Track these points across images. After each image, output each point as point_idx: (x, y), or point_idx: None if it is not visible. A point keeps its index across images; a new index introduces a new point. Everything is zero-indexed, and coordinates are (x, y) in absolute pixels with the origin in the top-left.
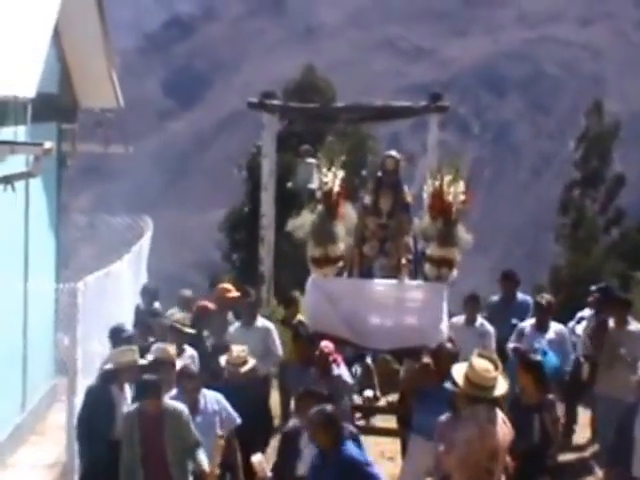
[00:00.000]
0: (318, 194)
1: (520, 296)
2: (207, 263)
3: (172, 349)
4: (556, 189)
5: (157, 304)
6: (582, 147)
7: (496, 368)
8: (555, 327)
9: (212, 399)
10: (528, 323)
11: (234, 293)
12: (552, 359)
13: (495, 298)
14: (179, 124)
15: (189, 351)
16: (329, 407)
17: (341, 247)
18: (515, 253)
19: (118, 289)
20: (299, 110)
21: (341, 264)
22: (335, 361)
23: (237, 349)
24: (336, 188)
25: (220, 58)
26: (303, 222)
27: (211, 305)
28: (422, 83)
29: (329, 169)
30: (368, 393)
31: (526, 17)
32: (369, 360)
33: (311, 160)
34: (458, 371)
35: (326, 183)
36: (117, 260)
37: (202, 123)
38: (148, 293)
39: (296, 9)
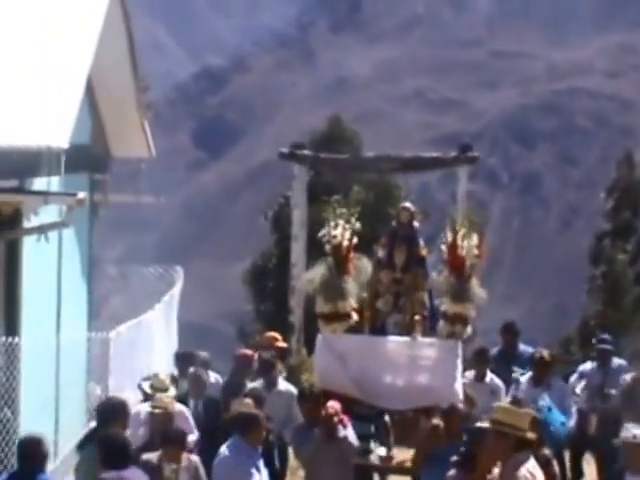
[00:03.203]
0: (327, 248)
1: (521, 347)
2: (236, 313)
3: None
4: (585, 240)
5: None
6: (613, 198)
7: (529, 416)
8: (556, 383)
9: None
10: (524, 378)
11: (282, 343)
12: (557, 415)
13: (496, 350)
14: (209, 175)
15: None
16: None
17: (351, 303)
18: (544, 304)
19: (149, 339)
20: (329, 161)
21: (352, 320)
22: (341, 422)
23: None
24: (345, 242)
25: (250, 109)
26: (313, 276)
27: (251, 353)
28: (451, 134)
29: (337, 222)
30: (381, 452)
31: (555, 69)
32: (387, 418)
33: (342, 210)
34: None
35: (335, 236)
36: (148, 310)
37: (232, 174)
38: (183, 360)
39: (326, 61)
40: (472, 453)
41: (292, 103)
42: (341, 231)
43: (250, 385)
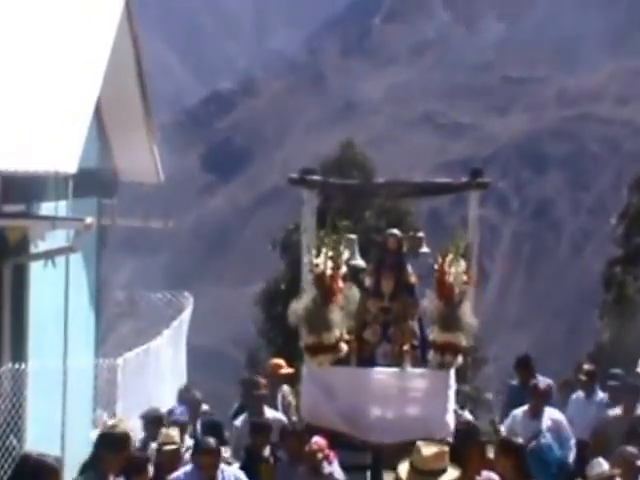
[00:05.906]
0: (310, 277)
1: (540, 379)
2: (245, 338)
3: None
4: (597, 265)
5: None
6: (624, 224)
7: (444, 454)
8: (550, 413)
9: (230, 475)
10: (520, 410)
11: (287, 369)
12: (555, 450)
13: (515, 382)
14: (218, 199)
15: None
16: None
17: (337, 334)
18: (556, 329)
19: (158, 365)
20: (339, 186)
21: (338, 352)
22: (327, 458)
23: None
24: (329, 271)
25: (260, 134)
26: (297, 307)
27: (262, 380)
28: (462, 159)
29: (319, 250)
30: None
31: (566, 94)
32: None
33: (352, 236)
34: (401, 466)
35: (317, 265)
36: (156, 336)
37: (241, 198)
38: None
39: (336, 85)
40: None
41: (302, 127)
42: (324, 259)
43: (237, 420)
